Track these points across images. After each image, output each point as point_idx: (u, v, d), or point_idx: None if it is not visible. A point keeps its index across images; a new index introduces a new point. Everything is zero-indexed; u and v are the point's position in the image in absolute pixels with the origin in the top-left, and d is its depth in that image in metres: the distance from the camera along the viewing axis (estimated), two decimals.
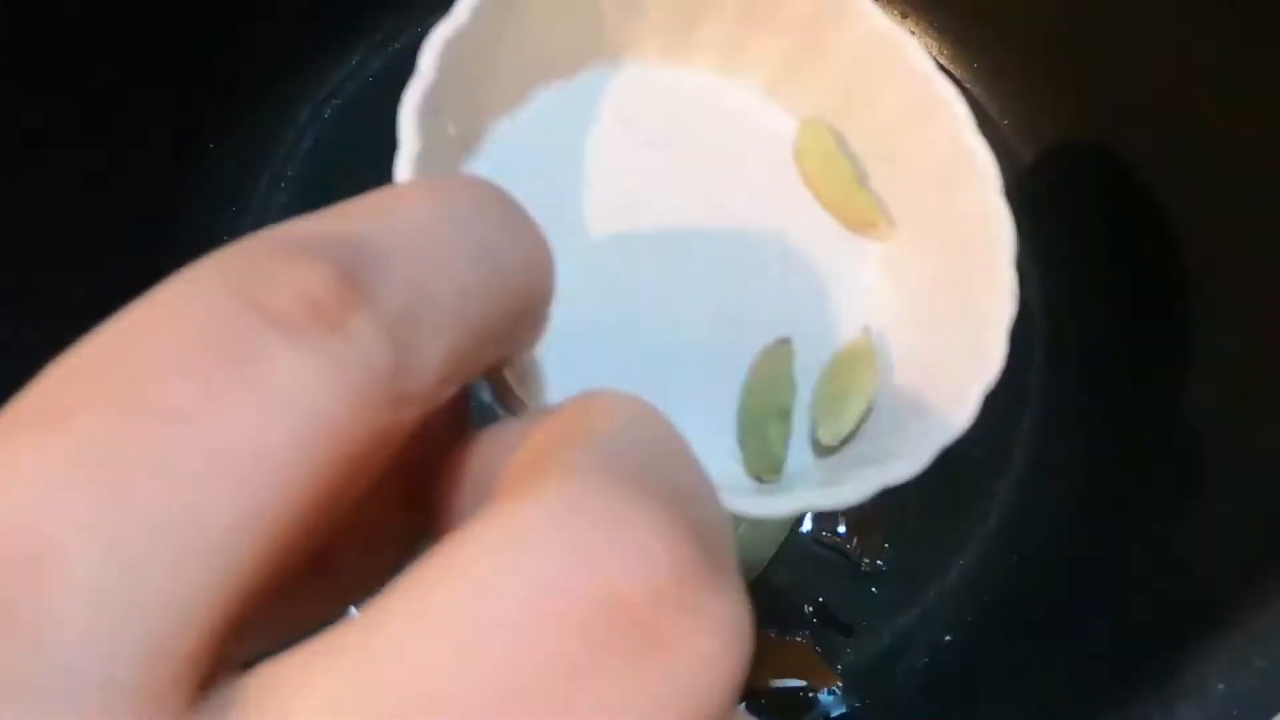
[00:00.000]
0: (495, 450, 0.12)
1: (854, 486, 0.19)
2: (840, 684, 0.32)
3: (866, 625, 0.33)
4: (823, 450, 0.22)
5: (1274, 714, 0.20)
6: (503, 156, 0.23)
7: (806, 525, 0.33)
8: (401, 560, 0.13)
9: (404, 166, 0.19)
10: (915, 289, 0.23)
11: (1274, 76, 0.27)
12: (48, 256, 0.30)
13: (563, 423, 0.11)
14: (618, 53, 0.24)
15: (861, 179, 0.24)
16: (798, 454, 0.22)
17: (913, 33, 0.36)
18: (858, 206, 0.23)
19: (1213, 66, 0.28)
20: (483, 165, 0.22)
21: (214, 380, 0.09)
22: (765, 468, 0.21)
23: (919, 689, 0.31)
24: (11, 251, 0.28)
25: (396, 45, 0.38)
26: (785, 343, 0.22)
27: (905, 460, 0.20)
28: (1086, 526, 0.31)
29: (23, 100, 0.29)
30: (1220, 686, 0.21)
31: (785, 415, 0.22)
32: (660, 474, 0.09)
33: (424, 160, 0.20)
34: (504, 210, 0.12)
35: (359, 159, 0.37)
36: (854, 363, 0.22)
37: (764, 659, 0.32)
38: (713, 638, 0.08)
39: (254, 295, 0.09)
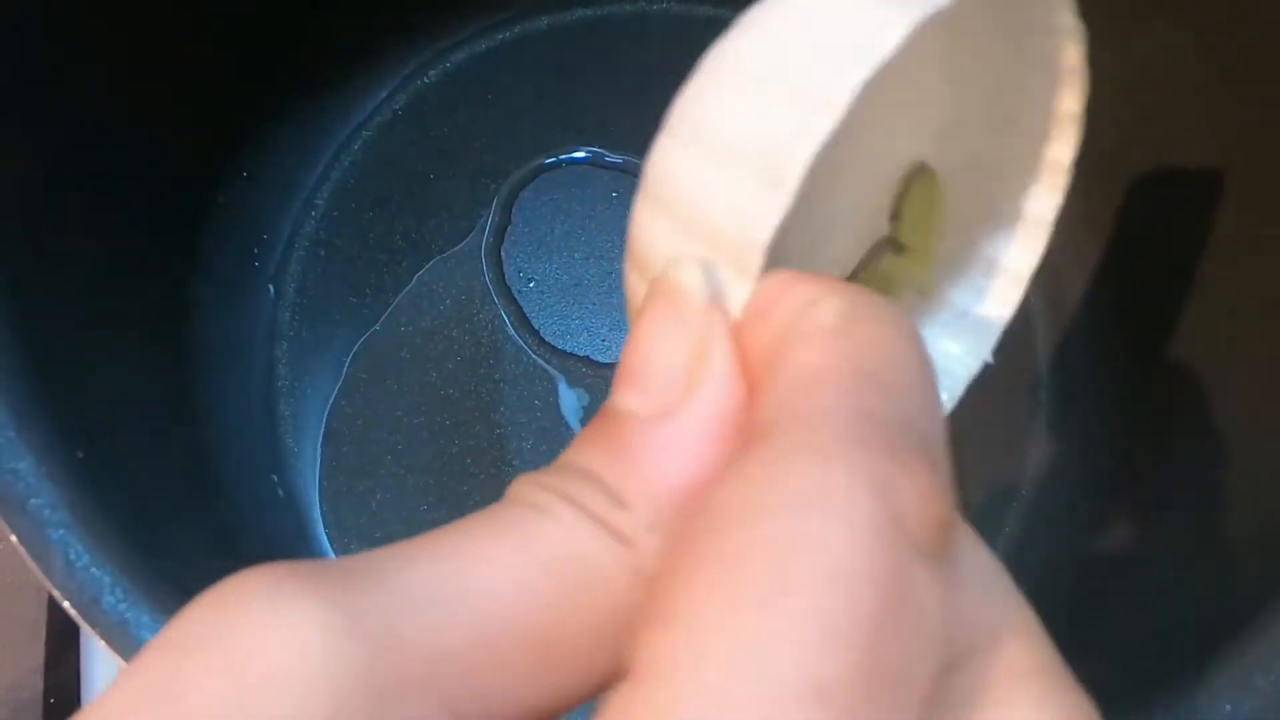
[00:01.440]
0: None
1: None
2: None
3: None
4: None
5: None
6: None
7: None
8: None
9: None
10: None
11: None
12: (78, 280, 0.30)
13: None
14: None
15: None
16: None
17: None
18: None
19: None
20: None
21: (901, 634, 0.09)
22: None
23: None
24: (40, 273, 0.28)
25: (425, 80, 0.39)
26: None
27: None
28: (1090, 555, 0.31)
29: (57, 123, 0.29)
30: (1228, 708, 0.21)
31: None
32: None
33: None
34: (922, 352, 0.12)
35: (388, 190, 0.39)
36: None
37: None
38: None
39: (904, 519, 0.09)
